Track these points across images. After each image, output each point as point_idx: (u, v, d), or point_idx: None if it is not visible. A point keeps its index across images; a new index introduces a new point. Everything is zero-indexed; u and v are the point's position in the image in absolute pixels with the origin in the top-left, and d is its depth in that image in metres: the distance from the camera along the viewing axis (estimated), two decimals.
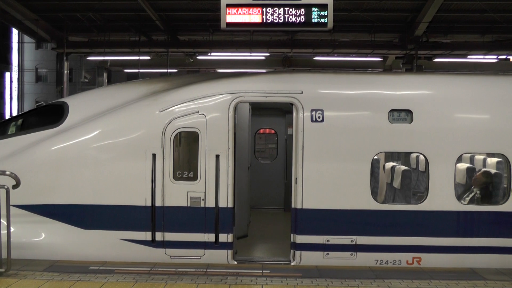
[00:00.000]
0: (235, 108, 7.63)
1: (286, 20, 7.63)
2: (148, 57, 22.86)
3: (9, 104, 46.29)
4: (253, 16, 7.65)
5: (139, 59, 21.60)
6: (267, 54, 22.62)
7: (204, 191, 7.53)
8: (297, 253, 7.57)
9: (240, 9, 7.64)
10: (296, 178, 7.56)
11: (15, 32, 43.78)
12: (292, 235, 7.64)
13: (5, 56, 48.48)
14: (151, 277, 6.61)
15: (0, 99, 49.42)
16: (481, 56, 21.23)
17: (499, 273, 7.06)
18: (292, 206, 7.62)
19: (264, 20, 7.65)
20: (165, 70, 22.85)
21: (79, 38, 21.26)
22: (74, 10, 18.18)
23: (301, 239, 7.56)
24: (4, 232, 6.61)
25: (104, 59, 23.12)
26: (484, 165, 9.48)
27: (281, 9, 7.61)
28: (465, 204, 7.78)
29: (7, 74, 47.09)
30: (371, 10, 17.55)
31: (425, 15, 17.05)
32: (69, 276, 6.56)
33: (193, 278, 6.59)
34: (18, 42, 45.18)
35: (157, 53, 22.17)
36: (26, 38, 33.12)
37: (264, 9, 7.63)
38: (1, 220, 6.56)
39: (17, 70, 46.85)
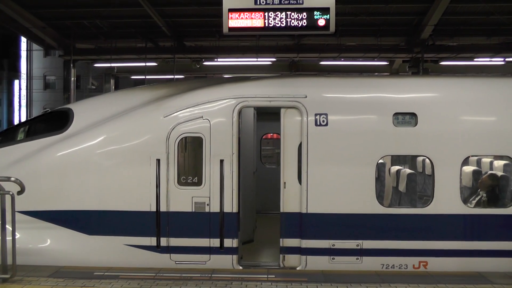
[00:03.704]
0: (239, 112, 7.63)
1: (288, 24, 7.61)
2: (154, 63, 22.93)
3: (18, 111, 46.73)
4: (255, 21, 7.64)
5: (145, 65, 21.68)
6: (274, 59, 22.62)
7: (209, 196, 7.53)
8: (303, 257, 7.54)
9: (242, 14, 7.63)
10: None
11: (23, 40, 44.22)
12: (297, 239, 7.61)
13: (14, 64, 49.11)
14: (156, 283, 6.60)
15: (9, 106, 50.01)
16: (488, 59, 21.11)
17: (507, 277, 6.99)
18: (297, 210, 7.59)
19: (266, 24, 7.63)
20: (172, 76, 22.89)
21: (86, 45, 21.39)
22: (81, 17, 18.29)
23: (306, 243, 7.53)
24: (9, 238, 6.64)
25: (111, 66, 23.21)
26: (491, 168, 9.40)
27: (283, 13, 7.59)
28: (472, 207, 7.73)
29: (16, 82, 47.60)
30: (377, 14, 17.52)
31: (431, 18, 16.98)
32: (74, 282, 6.57)
33: (198, 284, 6.58)
34: (27, 50, 45.61)
35: (164, 59, 22.23)
36: (34, 46, 33.31)
37: (266, 13, 7.61)
38: (7, 226, 6.59)
39: (25, 78, 47.25)
